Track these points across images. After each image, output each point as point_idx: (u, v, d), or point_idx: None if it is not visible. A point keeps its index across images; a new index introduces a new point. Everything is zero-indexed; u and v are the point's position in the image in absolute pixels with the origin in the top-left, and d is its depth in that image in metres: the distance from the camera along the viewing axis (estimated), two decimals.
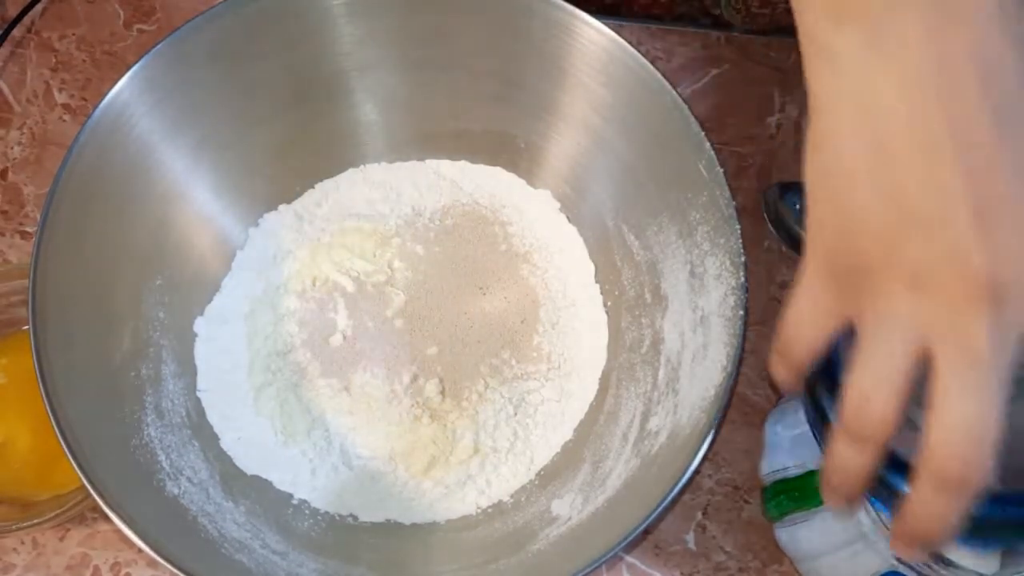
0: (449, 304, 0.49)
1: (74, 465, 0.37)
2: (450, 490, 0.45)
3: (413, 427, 0.46)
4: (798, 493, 0.42)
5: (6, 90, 0.56)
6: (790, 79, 0.57)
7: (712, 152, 0.41)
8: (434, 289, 0.49)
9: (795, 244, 0.53)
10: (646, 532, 0.48)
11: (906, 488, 0.29)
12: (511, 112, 0.49)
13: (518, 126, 0.50)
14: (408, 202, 0.51)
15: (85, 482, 0.36)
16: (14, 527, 0.42)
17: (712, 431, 0.37)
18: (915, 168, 0.25)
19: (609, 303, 0.49)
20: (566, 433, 0.47)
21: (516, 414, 0.47)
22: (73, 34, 0.57)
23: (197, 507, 0.41)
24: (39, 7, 0.57)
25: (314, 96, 0.49)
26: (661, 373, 0.44)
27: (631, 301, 0.48)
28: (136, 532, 0.36)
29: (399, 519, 0.45)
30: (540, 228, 0.51)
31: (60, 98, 0.56)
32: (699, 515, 0.48)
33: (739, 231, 0.40)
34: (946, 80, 0.25)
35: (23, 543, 0.47)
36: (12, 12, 0.57)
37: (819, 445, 0.32)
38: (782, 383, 0.31)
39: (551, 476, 0.46)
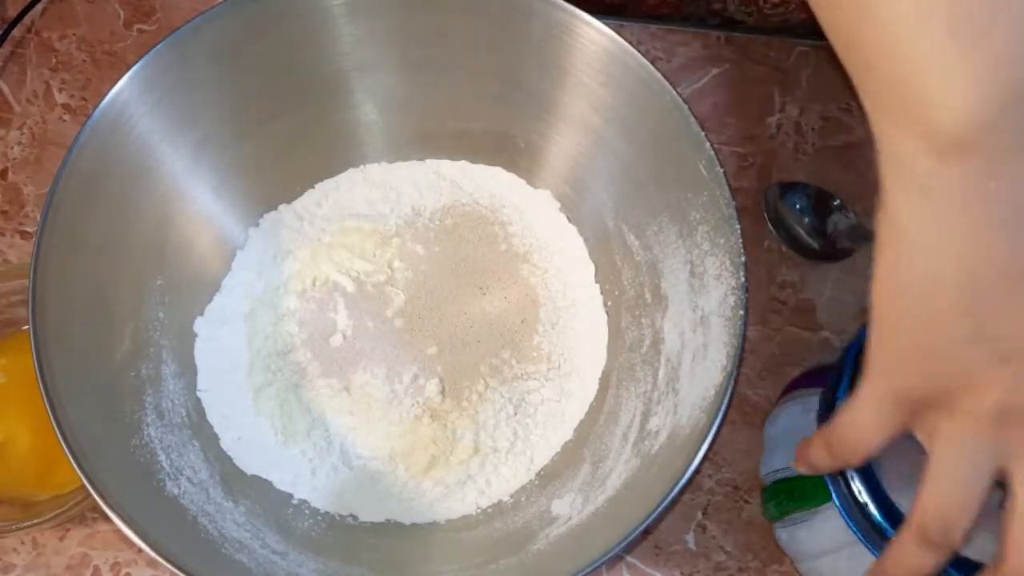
0: (449, 304, 0.49)
1: (74, 465, 0.36)
2: (450, 490, 0.45)
3: (413, 427, 0.46)
4: (798, 493, 0.42)
5: (6, 90, 0.56)
6: (790, 79, 0.57)
7: (712, 152, 0.41)
8: (434, 289, 0.49)
9: (795, 244, 0.53)
10: (646, 532, 0.48)
11: None
12: (511, 112, 0.49)
13: (518, 126, 0.50)
14: (408, 202, 0.51)
15: (85, 482, 0.36)
16: (14, 527, 0.42)
17: (712, 431, 0.37)
18: (1010, 310, 0.26)
19: (609, 303, 0.49)
20: (566, 433, 0.47)
21: (516, 414, 0.47)
22: (73, 34, 0.57)
23: (197, 507, 0.41)
24: (39, 7, 0.57)
25: (314, 96, 0.49)
26: (661, 373, 0.44)
27: (631, 301, 0.48)
28: (136, 532, 0.36)
29: (399, 519, 0.45)
30: (540, 228, 0.51)
31: (60, 98, 0.56)
32: (699, 515, 0.48)
33: (739, 231, 0.40)
34: None
35: (23, 543, 0.47)
36: (12, 12, 0.57)
37: (850, 526, 0.36)
38: (817, 467, 0.33)
39: (551, 476, 0.46)
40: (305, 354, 0.48)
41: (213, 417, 0.46)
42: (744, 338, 0.39)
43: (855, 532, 0.37)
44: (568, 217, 0.51)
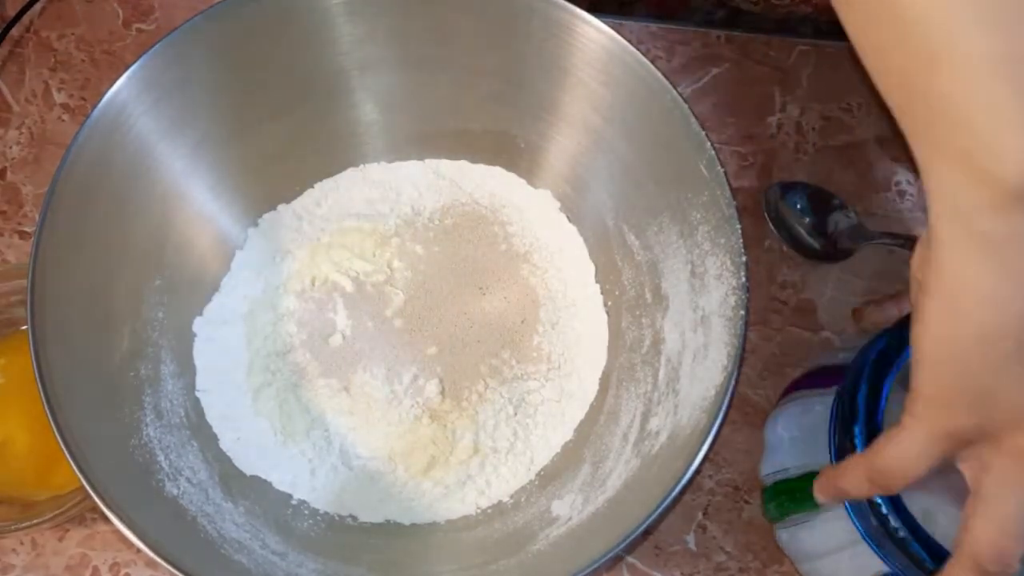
0: (449, 304, 0.49)
1: (73, 465, 0.36)
2: (450, 490, 0.45)
3: (413, 427, 0.46)
4: (799, 494, 0.42)
5: (5, 90, 0.56)
6: (790, 78, 0.57)
7: (712, 151, 0.41)
8: (434, 289, 0.49)
9: (796, 244, 0.53)
10: (646, 532, 0.48)
11: None
12: (511, 112, 0.49)
13: (518, 126, 0.50)
14: (408, 202, 0.51)
15: (84, 483, 0.36)
16: (13, 527, 0.42)
17: (713, 431, 0.37)
18: None
19: (609, 303, 0.49)
20: (566, 433, 0.47)
21: (516, 414, 0.47)
22: (72, 34, 0.57)
23: (196, 507, 0.41)
24: (38, 6, 0.57)
25: (314, 96, 0.49)
26: (661, 373, 0.44)
27: (631, 301, 0.48)
28: (135, 532, 0.36)
29: (399, 519, 0.45)
30: (540, 228, 0.51)
31: (59, 98, 0.56)
32: (699, 515, 0.48)
33: (740, 231, 0.40)
34: None
35: (22, 543, 0.47)
36: (11, 11, 0.57)
37: (874, 550, 0.37)
38: (849, 495, 0.34)
39: (551, 476, 0.46)
40: (304, 354, 0.47)
41: (212, 417, 0.46)
42: (745, 338, 0.39)
43: (860, 531, 0.36)
44: (568, 217, 0.51)
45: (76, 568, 0.47)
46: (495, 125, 0.50)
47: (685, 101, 0.42)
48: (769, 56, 0.57)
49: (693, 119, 0.41)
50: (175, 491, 0.41)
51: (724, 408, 0.38)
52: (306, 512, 0.45)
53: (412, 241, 0.50)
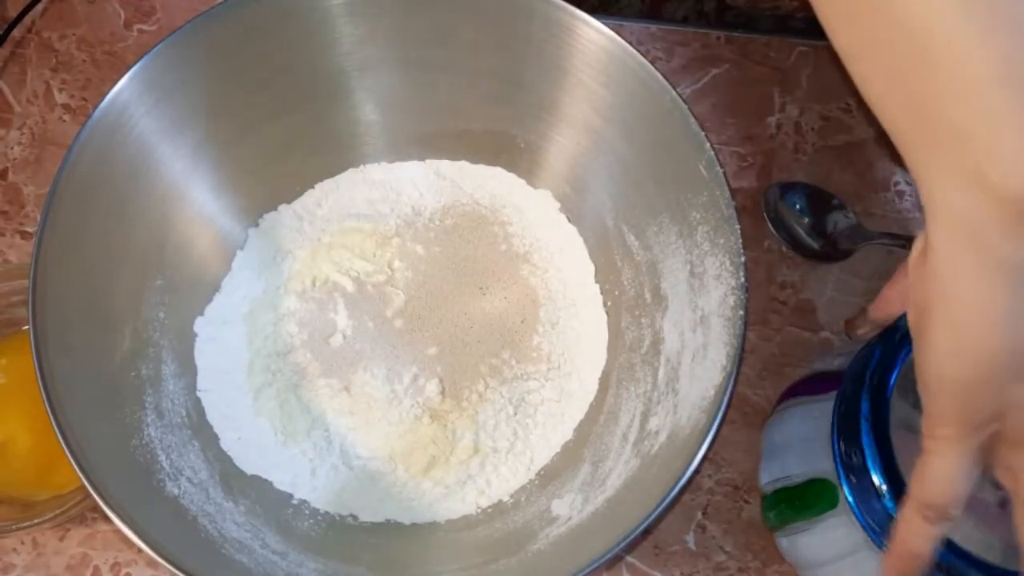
0: (449, 304, 0.49)
1: (74, 465, 0.36)
2: (450, 490, 0.45)
3: (413, 427, 0.46)
4: (799, 502, 0.41)
5: (6, 90, 0.56)
6: (790, 79, 0.57)
7: (712, 152, 0.41)
8: (434, 289, 0.49)
9: (795, 244, 0.53)
10: (646, 532, 0.48)
11: None
12: (511, 112, 0.49)
13: (518, 126, 0.50)
14: (408, 202, 0.51)
15: (85, 482, 0.36)
16: (14, 527, 0.42)
17: (712, 431, 0.37)
18: None
19: (609, 303, 0.49)
20: (566, 433, 0.47)
21: (516, 414, 0.47)
22: (73, 34, 0.57)
23: (197, 507, 0.41)
24: (39, 7, 0.57)
25: (314, 96, 0.49)
26: (661, 373, 0.44)
27: (631, 301, 0.48)
28: (136, 532, 0.36)
29: (399, 519, 0.45)
30: (540, 228, 0.51)
31: (60, 98, 0.56)
32: (699, 515, 0.48)
33: (739, 231, 0.40)
34: None
35: (23, 543, 0.47)
36: (12, 12, 0.57)
37: (862, 523, 0.36)
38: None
39: (551, 476, 0.46)
40: (305, 354, 0.48)
41: (213, 417, 0.46)
42: (744, 338, 0.39)
43: (867, 530, 0.36)
44: (568, 217, 0.51)
45: (77, 568, 0.47)
46: (495, 125, 0.50)
47: (685, 102, 0.42)
48: (769, 57, 0.57)
49: (693, 120, 0.41)
50: (176, 491, 0.41)
51: (723, 408, 0.38)
52: (306, 512, 0.45)
53: (413, 241, 0.50)
